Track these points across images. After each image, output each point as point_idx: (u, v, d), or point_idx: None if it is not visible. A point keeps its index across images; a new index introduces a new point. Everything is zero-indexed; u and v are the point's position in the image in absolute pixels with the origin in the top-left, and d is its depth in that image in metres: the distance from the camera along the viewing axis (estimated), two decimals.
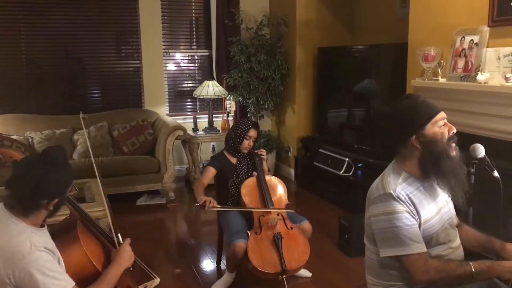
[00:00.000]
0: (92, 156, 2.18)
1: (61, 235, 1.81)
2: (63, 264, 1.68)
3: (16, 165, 1.71)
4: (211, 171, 3.13)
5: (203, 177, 3.13)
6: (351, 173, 4.42)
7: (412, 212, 1.68)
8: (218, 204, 3.04)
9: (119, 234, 1.97)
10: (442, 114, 1.71)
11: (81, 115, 2.28)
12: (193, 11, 5.78)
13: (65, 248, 1.76)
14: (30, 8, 5.05)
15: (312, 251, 2.89)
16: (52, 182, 1.64)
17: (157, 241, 3.90)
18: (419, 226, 1.69)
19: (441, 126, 1.69)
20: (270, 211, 2.94)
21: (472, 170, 1.98)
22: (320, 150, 4.93)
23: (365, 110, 4.77)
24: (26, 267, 1.53)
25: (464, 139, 1.90)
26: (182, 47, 5.80)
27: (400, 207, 1.67)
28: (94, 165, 2.09)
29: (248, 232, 2.86)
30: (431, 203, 1.76)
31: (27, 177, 1.63)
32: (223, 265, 3.34)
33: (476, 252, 1.93)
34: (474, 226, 2.03)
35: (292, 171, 5.60)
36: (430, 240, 1.72)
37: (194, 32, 5.87)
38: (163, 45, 5.60)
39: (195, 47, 5.86)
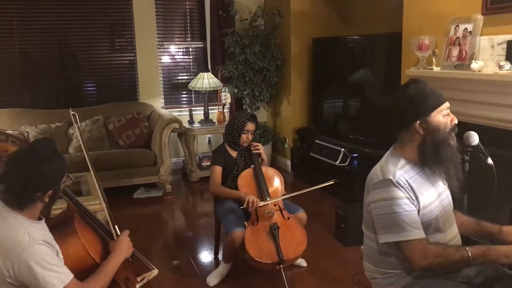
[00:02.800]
0: (84, 151, 2.16)
1: (59, 228, 1.81)
2: (62, 257, 1.69)
3: (7, 160, 1.71)
4: (218, 170, 3.12)
5: (214, 178, 3.10)
6: (347, 163, 4.44)
7: (411, 198, 1.70)
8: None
9: (116, 226, 1.97)
10: (447, 104, 1.74)
11: (71, 111, 2.27)
12: (187, 2, 5.75)
13: (63, 241, 1.76)
14: (22, 2, 5.01)
15: (309, 241, 2.91)
16: (43, 175, 1.64)
17: (154, 234, 3.91)
18: (418, 212, 1.71)
19: (445, 115, 1.73)
20: (267, 203, 2.95)
21: (467, 157, 2.00)
22: (316, 140, 4.94)
23: (360, 100, 4.78)
24: (25, 260, 1.54)
25: (459, 128, 1.91)
26: (176, 39, 5.78)
27: (399, 193, 1.69)
28: (87, 160, 2.09)
29: (245, 223, 2.88)
30: (430, 189, 1.78)
31: (17, 172, 1.63)
32: (220, 256, 3.35)
33: (472, 239, 1.96)
34: (469, 213, 2.05)
35: (289, 162, 5.61)
36: (428, 226, 1.74)
37: (188, 24, 5.85)
38: (158, 38, 5.58)
39: (189, 39, 5.84)
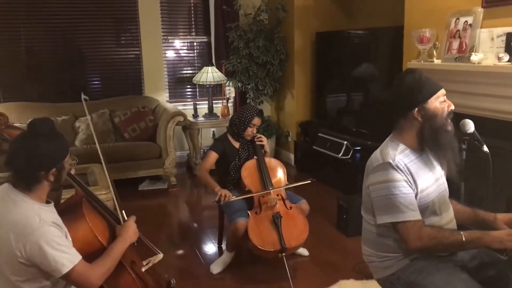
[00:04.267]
0: (94, 135, 2.20)
1: (67, 213, 1.86)
2: (70, 239, 1.74)
3: (9, 143, 1.76)
4: (213, 156, 3.18)
5: (206, 162, 3.17)
6: (349, 156, 4.48)
7: (409, 181, 1.76)
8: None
9: (123, 212, 2.03)
10: (443, 91, 1.80)
11: (82, 96, 2.28)
12: None
13: (72, 225, 1.81)
14: None
15: (311, 231, 2.97)
16: (44, 152, 1.67)
17: (160, 225, 3.98)
18: (416, 196, 1.77)
19: (441, 101, 1.79)
20: (270, 192, 3.01)
21: (464, 146, 2.05)
22: (319, 134, 4.99)
23: (363, 93, 4.82)
24: (36, 241, 1.60)
25: (458, 119, 1.96)
26: (181, 34, 5.83)
27: (398, 176, 1.75)
28: (97, 145, 2.14)
29: (248, 212, 2.94)
30: (428, 174, 1.84)
31: (18, 152, 1.67)
32: (224, 246, 3.42)
33: (466, 226, 2.01)
34: (465, 201, 2.10)
35: (292, 156, 5.66)
36: (425, 209, 1.80)
37: (192, 19, 5.90)
38: (162, 32, 5.64)
39: (194, 33, 5.89)
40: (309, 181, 3.11)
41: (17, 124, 4.62)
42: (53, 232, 1.64)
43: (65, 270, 1.64)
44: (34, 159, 1.66)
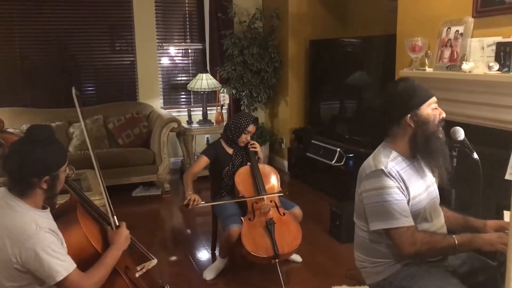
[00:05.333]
0: (87, 139, 2.17)
1: (62, 218, 1.86)
2: (65, 245, 1.74)
3: (8, 147, 1.76)
4: (204, 160, 3.19)
5: (195, 166, 3.19)
6: (342, 163, 4.51)
7: (401, 188, 1.79)
8: (211, 192, 3.12)
9: (115, 216, 2.02)
10: (434, 98, 1.84)
11: (73, 91, 2.08)
12: (186, 4, 5.84)
13: (66, 230, 1.81)
14: (23, 3, 5.09)
15: (304, 237, 2.98)
16: (37, 159, 1.66)
17: (153, 231, 3.98)
18: (408, 202, 1.80)
19: (433, 108, 1.83)
20: (263, 198, 3.02)
21: (454, 153, 2.08)
22: (313, 141, 5.02)
23: (356, 101, 4.86)
24: (31, 247, 1.59)
25: (449, 126, 1.99)
26: (176, 41, 5.86)
27: (390, 183, 1.77)
28: (90, 150, 2.13)
29: (241, 218, 2.95)
30: (419, 181, 1.87)
31: (12, 156, 1.67)
32: (217, 252, 3.42)
33: (457, 232, 2.03)
34: (456, 208, 2.13)
35: (285, 163, 5.69)
36: (417, 216, 1.82)
37: (187, 26, 5.93)
38: (157, 39, 5.66)
39: (188, 40, 5.92)
40: (282, 194, 3.14)
41: (10, 130, 4.63)
42: (49, 238, 1.63)
43: (59, 277, 1.63)
44: (26, 164, 1.65)
